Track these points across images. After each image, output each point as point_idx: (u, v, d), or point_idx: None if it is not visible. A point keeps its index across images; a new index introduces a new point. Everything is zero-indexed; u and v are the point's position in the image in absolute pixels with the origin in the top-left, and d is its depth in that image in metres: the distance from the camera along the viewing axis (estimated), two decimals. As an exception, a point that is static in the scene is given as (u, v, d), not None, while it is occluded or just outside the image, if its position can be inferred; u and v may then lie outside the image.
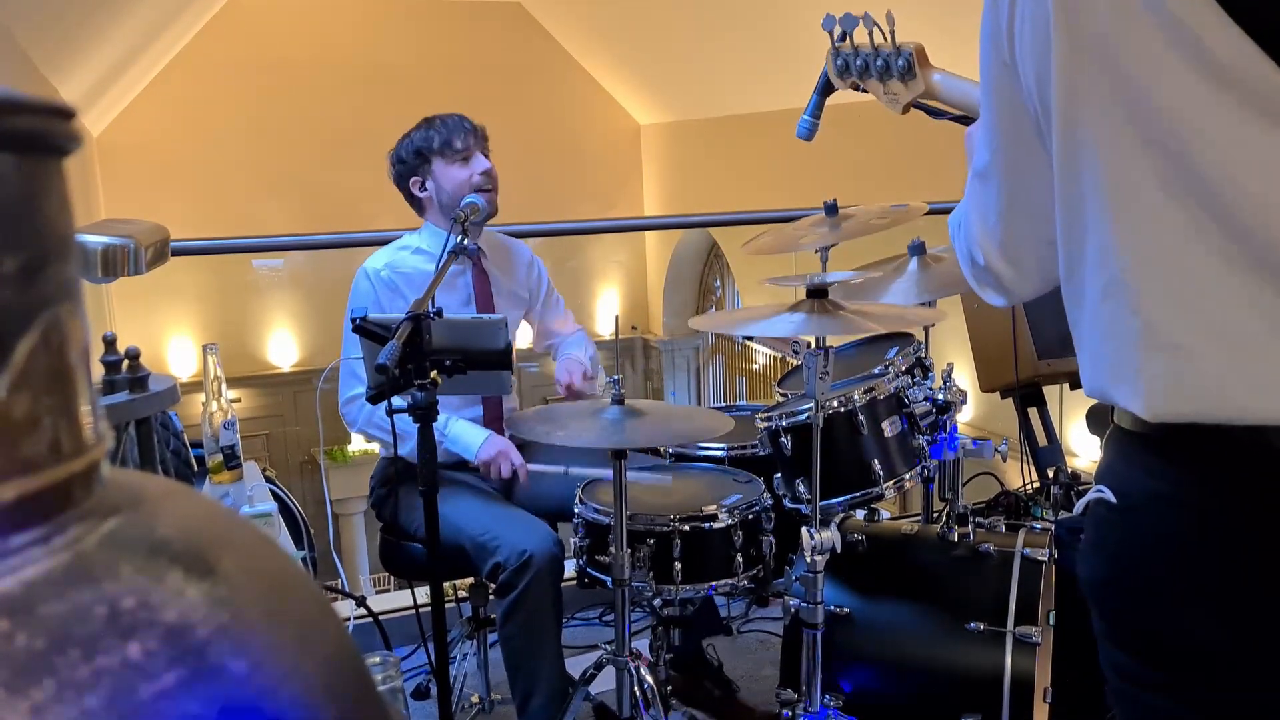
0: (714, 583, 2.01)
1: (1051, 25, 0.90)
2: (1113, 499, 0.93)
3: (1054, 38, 0.90)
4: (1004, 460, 2.15)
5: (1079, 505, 1.01)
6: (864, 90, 1.47)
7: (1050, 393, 2.99)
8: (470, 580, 2.40)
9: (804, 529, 1.82)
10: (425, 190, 2.33)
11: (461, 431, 2.28)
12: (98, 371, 1.70)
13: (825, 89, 1.80)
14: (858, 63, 1.43)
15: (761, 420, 2.02)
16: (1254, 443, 0.84)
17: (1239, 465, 0.85)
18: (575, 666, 2.15)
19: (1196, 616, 0.89)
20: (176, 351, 9.84)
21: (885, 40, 1.39)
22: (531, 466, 2.25)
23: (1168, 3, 0.82)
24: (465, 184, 2.28)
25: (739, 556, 2.00)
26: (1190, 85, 0.83)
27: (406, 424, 1.70)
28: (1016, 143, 1.00)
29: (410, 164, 2.32)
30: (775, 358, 9.79)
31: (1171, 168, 0.85)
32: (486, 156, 2.32)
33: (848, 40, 1.45)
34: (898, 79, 1.39)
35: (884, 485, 1.94)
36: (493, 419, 2.39)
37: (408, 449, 1.79)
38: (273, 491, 2.47)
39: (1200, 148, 0.84)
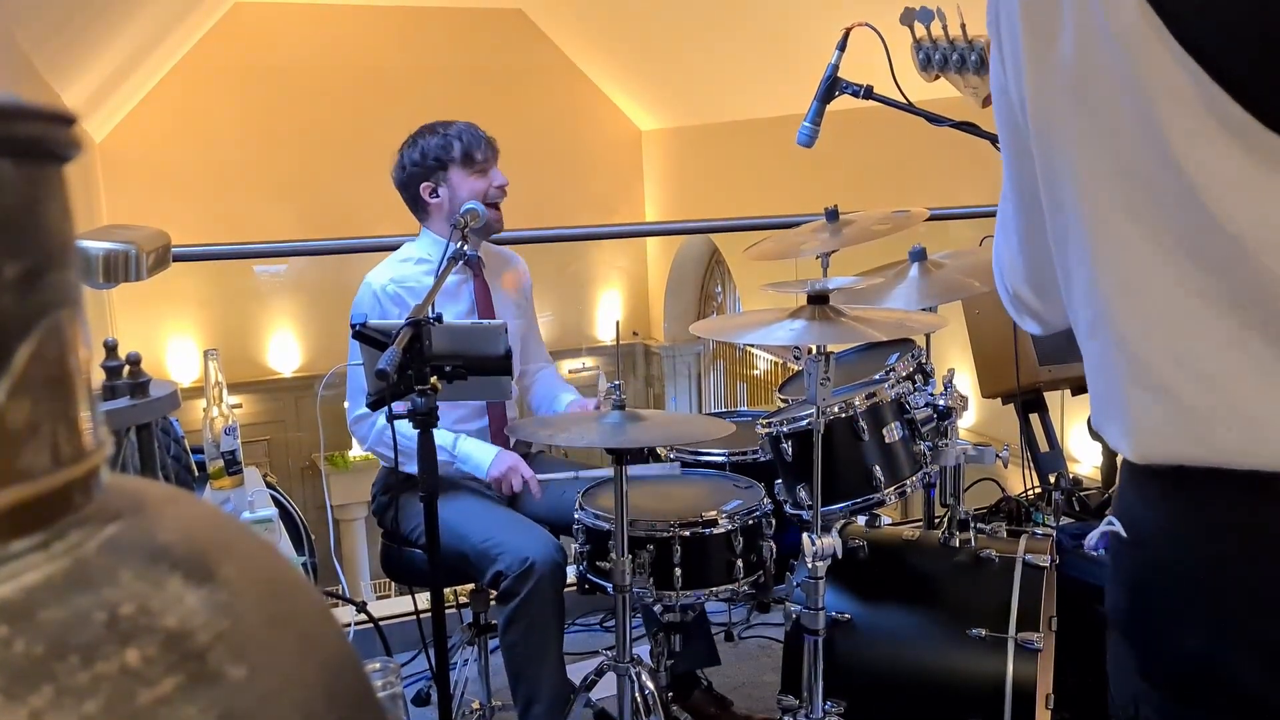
0: (714, 588, 2.01)
1: (1021, 52, 0.87)
2: (1123, 533, 0.90)
3: (1024, 64, 0.87)
4: (1005, 466, 2.15)
5: (1090, 538, 0.99)
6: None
7: (1052, 398, 2.99)
8: (471, 586, 2.40)
9: (805, 535, 1.82)
10: (437, 197, 2.31)
11: (471, 450, 2.27)
12: (98, 377, 1.70)
13: (826, 96, 1.81)
14: (937, 56, 1.45)
15: (763, 426, 2.02)
16: (1249, 484, 0.80)
17: (1236, 504, 0.82)
18: (576, 673, 2.14)
19: (1217, 654, 0.84)
20: (178, 357, 9.85)
21: (959, 34, 1.41)
22: (541, 476, 2.24)
23: (1120, 32, 0.79)
24: (481, 196, 2.27)
25: (739, 562, 2.00)
26: (1154, 115, 0.79)
27: (414, 444, 1.69)
28: (1022, 168, 0.96)
29: (425, 168, 2.29)
30: (776, 363, 9.80)
31: (1144, 200, 0.82)
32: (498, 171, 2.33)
33: (928, 34, 1.47)
34: (973, 72, 1.41)
35: (885, 491, 1.94)
36: (499, 429, 2.38)
37: (415, 468, 1.75)
38: (273, 497, 2.48)
39: (1170, 179, 0.80)
